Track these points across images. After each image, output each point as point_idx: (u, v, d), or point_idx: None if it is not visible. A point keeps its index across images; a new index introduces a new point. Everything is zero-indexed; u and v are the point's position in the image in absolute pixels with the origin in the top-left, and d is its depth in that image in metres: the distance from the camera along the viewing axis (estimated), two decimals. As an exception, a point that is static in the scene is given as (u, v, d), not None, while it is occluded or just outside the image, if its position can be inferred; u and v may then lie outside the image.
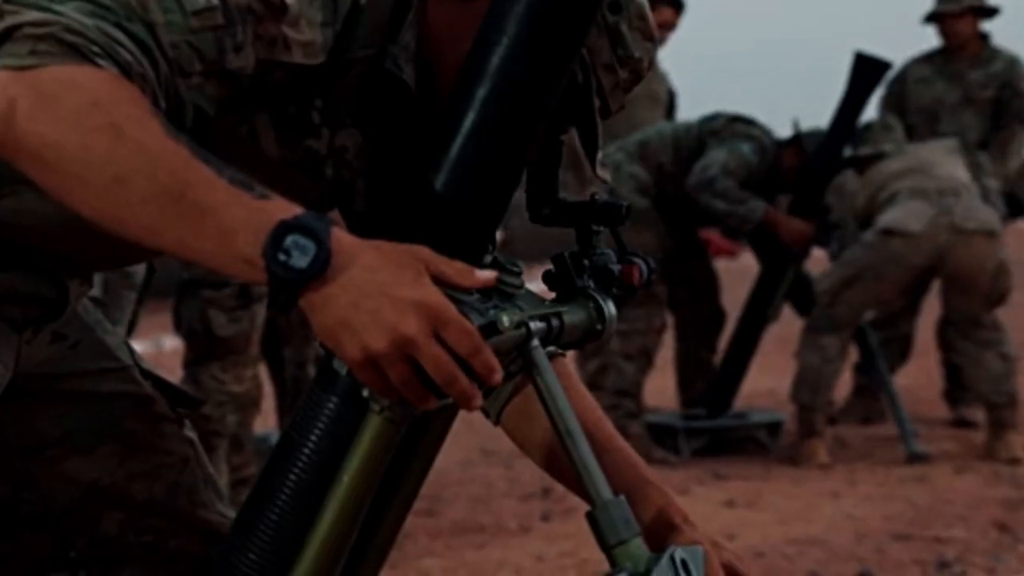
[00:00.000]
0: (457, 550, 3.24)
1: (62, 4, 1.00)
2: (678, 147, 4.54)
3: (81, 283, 1.27)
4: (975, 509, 3.64)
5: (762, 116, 4.64)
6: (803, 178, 4.48)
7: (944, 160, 4.49)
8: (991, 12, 5.16)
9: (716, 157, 4.37)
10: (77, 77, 0.97)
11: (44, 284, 1.21)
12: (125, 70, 1.00)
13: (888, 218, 4.33)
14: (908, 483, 4.00)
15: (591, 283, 1.29)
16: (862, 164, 4.51)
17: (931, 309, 4.99)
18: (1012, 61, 5.17)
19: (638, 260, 1.32)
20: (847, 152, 4.53)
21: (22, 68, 0.96)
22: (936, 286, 4.64)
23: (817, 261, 4.71)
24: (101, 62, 0.98)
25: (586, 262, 1.29)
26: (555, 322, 1.21)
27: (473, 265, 1.11)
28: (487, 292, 1.17)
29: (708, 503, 3.74)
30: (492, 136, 1.15)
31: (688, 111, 5.46)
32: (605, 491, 1.16)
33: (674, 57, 5.27)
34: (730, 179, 4.34)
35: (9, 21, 0.98)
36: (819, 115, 4.63)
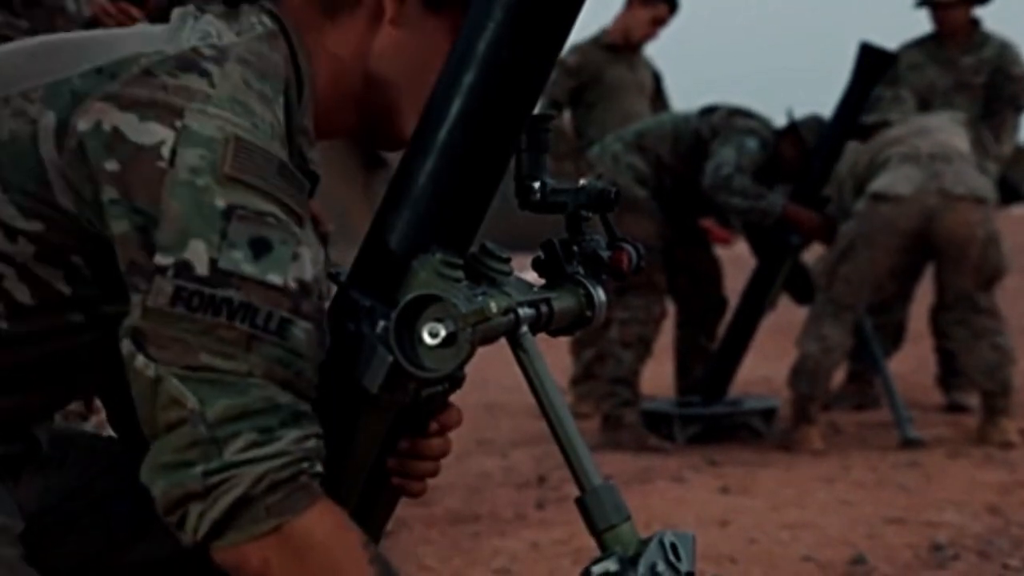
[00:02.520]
0: (453, 538, 3.25)
1: (272, 416, 1.07)
2: (676, 139, 4.54)
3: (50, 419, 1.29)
4: (968, 493, 3.65)
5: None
6: (805, 169, 4.47)
7: (946, 128, 4.48)
8: (984, -1, 5.17)
9: (727, 155, 4.36)
10: (315, 533, 1.08)
11: (10, 443, 1.21)
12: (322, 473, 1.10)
13: (878, 183, 4.34)
14: (901, 468, 4.01)
15: (580, 269, 1.29)
16: (867, 132, 4.50)
17: (924, 296, 5.00)
18: (1003, 46, 5.16)
19: (627, 246, 1.32)
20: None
21: (267, 533, 1.06)
22: (929, 274, 4.65)
23: (813, 251, 4.71)
24: (315, 481, 1.09)
25: (575, 248, 1.30)
26: (544, 308, 1.22)
27: (459, 253, 1.12)
28: (476, 279, 1.17)
29: (703, 489, 3.75)
30: (479, 122, 1.16)
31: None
32: (595, 476, 1.17)
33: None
34: (745, 176, 4.34)
35: (236, 492, 1.05)
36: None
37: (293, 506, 1.07)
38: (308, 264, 1.10)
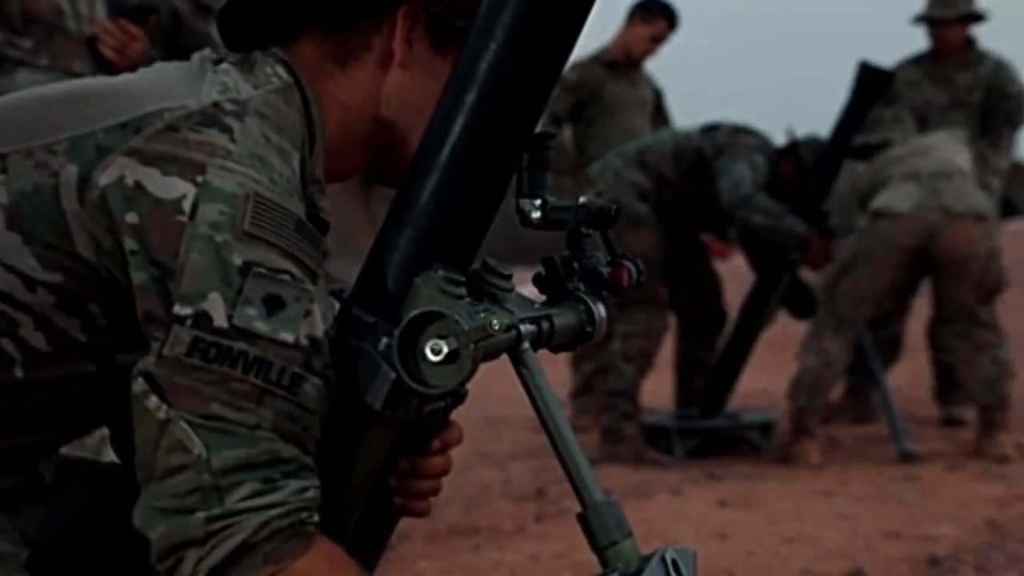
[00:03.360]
0: (453, 551, 3.25)
1: (275, 468, 1.09)
2: (678, 156, 4.55)
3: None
4: (965, 507, 3.66)
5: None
6: (804, 187, 4.48)
7: (947, 146, 4.51)
8: (980, 17, 5.19)
9: (742, 173, 4.36)
10: (310, 575, 1.10)
11: (14, 477, 1.22)
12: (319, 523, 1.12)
13: (878, 201, 4.37)
14: (899, 482, 4.02)
15: (581, 286, 1.30)
16: (869, 152, 4.52)
17: (921, 310, 5.01)
18: (999, 65, 5.19)
19: (627, 263, 1.33)
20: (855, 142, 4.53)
21: None
22: (925, 288, 4.66)
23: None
24: (312, 528, 1.11)
25: (576, 265, 1.31)
26: (545, 324, 1.23)
27: (461, 270, 1.13)
28: (478, 295, 1.18)
29: (702, 503, 3.75)
30: (481, 141, 1.17)
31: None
32: (596, 491, 1.18)
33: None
34: (764, 194, 4.35)
35: (237, 538, 1.07)
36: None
37: (290, 551, 1.09)
38: (319, 321, 1.12)
